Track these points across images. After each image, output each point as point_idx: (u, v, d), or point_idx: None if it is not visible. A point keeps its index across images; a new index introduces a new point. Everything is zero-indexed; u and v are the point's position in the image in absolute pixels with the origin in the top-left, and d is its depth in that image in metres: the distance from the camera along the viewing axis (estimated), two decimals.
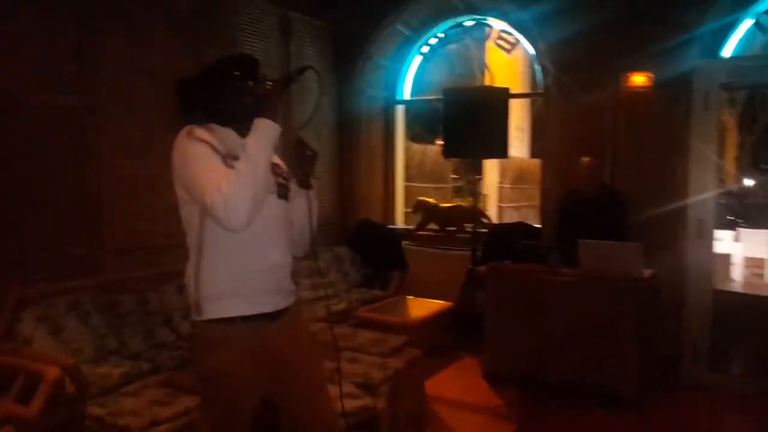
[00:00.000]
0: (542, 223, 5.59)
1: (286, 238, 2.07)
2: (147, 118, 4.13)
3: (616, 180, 5.03)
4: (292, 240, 2.11)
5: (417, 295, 5.44)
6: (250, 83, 1.96)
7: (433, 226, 6.20)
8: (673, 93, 4.83)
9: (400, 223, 6.65)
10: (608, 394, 4.04)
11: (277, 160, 2.11)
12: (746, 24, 4.93)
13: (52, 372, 2.85)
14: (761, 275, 5.35)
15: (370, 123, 6.46)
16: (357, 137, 6.30)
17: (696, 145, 4.52)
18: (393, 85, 6.58)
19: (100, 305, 3.69)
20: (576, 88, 5.26)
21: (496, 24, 6.10)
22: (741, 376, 4.54)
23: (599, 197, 4.60)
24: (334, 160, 6.25)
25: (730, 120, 10.57)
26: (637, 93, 5.03)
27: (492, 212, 8.71)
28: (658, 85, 4.93)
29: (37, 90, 3.66)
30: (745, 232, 5.62)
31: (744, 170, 10.96)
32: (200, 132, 1.89)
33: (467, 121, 5.02)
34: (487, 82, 9.20)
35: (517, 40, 6.07)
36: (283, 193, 2.06)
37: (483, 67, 9.28)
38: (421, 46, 6.46)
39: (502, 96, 5.32)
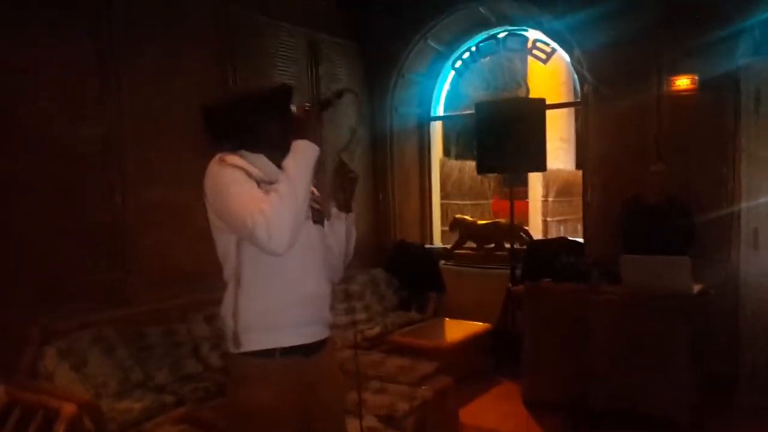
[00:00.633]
0: (585, 237, 5.32)
1: (323, 265, 2.01)
2: (174, 146, 4.13)
3: (660, 191, 4.74)
4: (330, 265, 2.06)
5: (455, 317, 5.26)
6: (288, 110, 1.95)
7: (470, 244, 6.00)
8: (721, 94, 4.54)
9: (437, 242, 6.48)
10: (660, 421, 3.75)
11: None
12: None
13: (68, 409, 2.81)
14: None
15: (404, 141, 6.35)
16: (391, 156, 6.19)
17: (748, 147, 4.19)
18: (427, 102, 6.46)
19: (126, 337, 3.66)
20: (615, 95, 5.02)
21: (531, 34, 5.91)
22: None
23: (661, 206, 4.31)
24: (369, 181, 6.15)
25: None
26: (681, 96, 4.75)
27: (536, 227, 8.43)
28: (703, 87, 4.65)
29: (64, 120, 3.70)
30: None
31: None
32: (232, 158, 1.86)
33: (501, 134, 4.84)
34: (529, 93, 8.98)
35: (553, 49, 5.85)
36: (318, 218, 2.01)
37: (521, 78, 9.05)
38: (454, 61, 6.32)
39: (538, 107, 5.10)
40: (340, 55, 5.89)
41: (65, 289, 3.64)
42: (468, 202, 8.66)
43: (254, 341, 1.85)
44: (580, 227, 7.38)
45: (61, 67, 3.69)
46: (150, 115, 4.13)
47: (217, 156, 1.88)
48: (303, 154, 1.81)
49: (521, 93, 9.17)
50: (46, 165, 3.60)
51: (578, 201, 8.15)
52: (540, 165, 5.03)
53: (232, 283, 1.87)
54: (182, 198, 4.12)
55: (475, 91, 8.00)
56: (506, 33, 6.01)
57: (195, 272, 4.11)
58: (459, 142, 9.05)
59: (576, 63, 5.31)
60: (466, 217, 6.10)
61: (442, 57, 6.29)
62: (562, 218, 8.63)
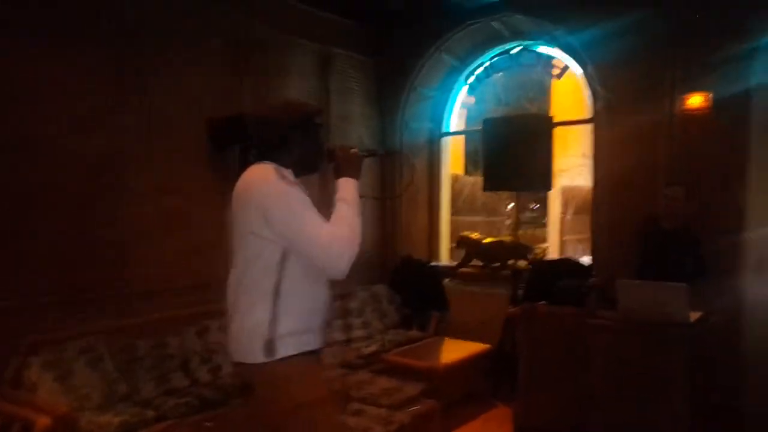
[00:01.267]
0: (594, 258, 5.18)
1: None
2: (175, 159, 4.19)
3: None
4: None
5: (458, 337, 5.16)
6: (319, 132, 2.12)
7: (477, 262, 5.89)
8: (735, 113, 4.37)
9: (444, 259, 6.39)
10: None
11: None
12: None
13: (43, 421, 2.84)
14: None
15: (414, 156, 6.28)
16: (400, 170, 6.13)
17: (754, 172, 4.01)
18: (439, 117, 6.40)
19: (115, 349, 3.69)
20: (627, 112, 4.90)
21: (545, 49, 5.81)
22: None
23: (677, 232, 4.16)
24: (377, 195, 6.09)
25: None
26: (693, 115, 4.59)
27: (554, 245, 8.24)
28: (717, 106, 4.49)
29: (72, 131, 3.77)
30: None
31: None
32: (288, 173, 1.97)
33: (508, 152, 4.77)
34: (549, 109, 8.82)
35: (567, 66, 5.74)
36: None
37: (539, 94, 8.92)
38: (468, 76, 6.25)
39: (546, 124, 5.00)
40: (352, 69, 5.89)
41: (59, 302, 3.71)
42: (480, 218, 8.53)
43: (291, 346, 1.92)
44: None
45: (65, 82, 3.76)
46: (161, 128, 4.19)
47: (270, 167, 1.95)
48: (355, 191, 2.02)
49: (540, 109, 9.04)
50: (51, 178, 3.68)
51: None
52: (546, 184, 4.92)
53: (268, 294, 1.91)
54: (178, 210, 4.18)
55: (495, 107, 7.89)
56: (520, 48, 5.93)
57: (190, 285, 4.17)
58: (472, 157, 8.95)
59: (589, 78, 5.20)
60: (473, 234, 5.99)
61: (455, 71, 6.24)
62: (579, 236, 8.40)
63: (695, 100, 4.61)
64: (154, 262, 4.13)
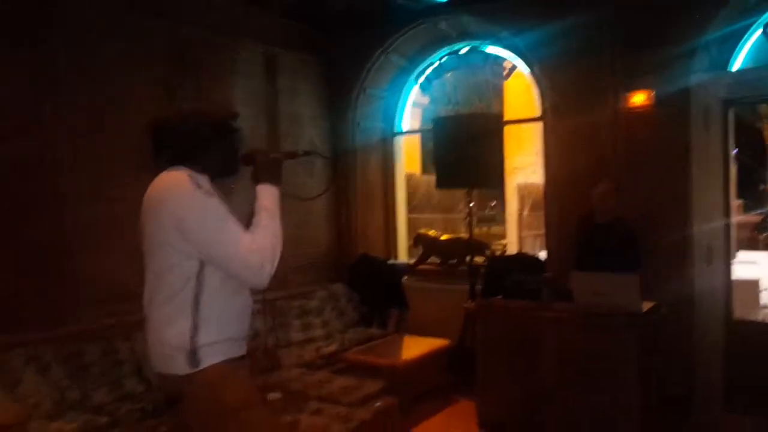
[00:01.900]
0: (548, 252, 5.29)
1: None
2: (112, 163, 4.08)
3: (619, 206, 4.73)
4: None
5: (418, 334, 5.18)
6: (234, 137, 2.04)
7: (434, 260, 5.95)
8: (677, 111, 4.53)
9: (403, 257, 6.43)
10: None
11: None
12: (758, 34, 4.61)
13: None
14: None
15: (367, 156, 6.31)
16: (353, 170, 6.15)
17: (696, 165, 4.17)
18: (391, 116, 6.44)
19: (63, 356, 3.59)
20: (574, 110, 5.02)
21: (492, 49, 5.90)
22: (763, 417, 4.09)
23: (612, 225, 4.29)
24: (330, 196, 6.08)
25: None
26: (637, 113, 4.74)
27: (513, 241, 8.39)
28: (660, 104, 4.65)
29: (6, 138, 3.64)
30: None
31: None
32: (203, 181, 1.89)
33: (459, 150, 4.81)
34: (501, 108, 8.97)
35: (514, 66, 5.86)
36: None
37: (492, 93, 9.08)
38: (418, 76, 6.31)
39: (496, 122, 5.10)
40: (300, 70, 5.86)
41: (5, 308, 3.58)
42: (438, 216, 8.62)
43: (214, 354, 1.86)
44: None
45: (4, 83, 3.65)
46: (96, 132, 4.08)
47: (184, 174, 1.86)
48: (276, 197, 1.94)
49: (492, 108, 9.18)
50: None
51: None
52: (497, 181, 5.03)
53: (187, 305, 1.83)
54: (122, 214, 4.07)
55: (447, 106, 7.99)
56: (468, 48, 6.01)
57: (139, 291, 4.07)
58: (429, 156, 9.03)
59: (536, 78, 5.31)
60: (430, 232, 6.05)
61: (404, 72, 6.28)
62: (536, 233, 8.57)
63: (638, 98, 4.76)
64: (98, 268, 4.02)
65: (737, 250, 5.72)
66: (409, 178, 7.19)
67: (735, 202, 5.17)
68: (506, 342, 4.09)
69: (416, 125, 6.97)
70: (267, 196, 1.93)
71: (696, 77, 4.31)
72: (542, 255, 5.57)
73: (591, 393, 3.75)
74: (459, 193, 8.94)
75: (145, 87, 4.35)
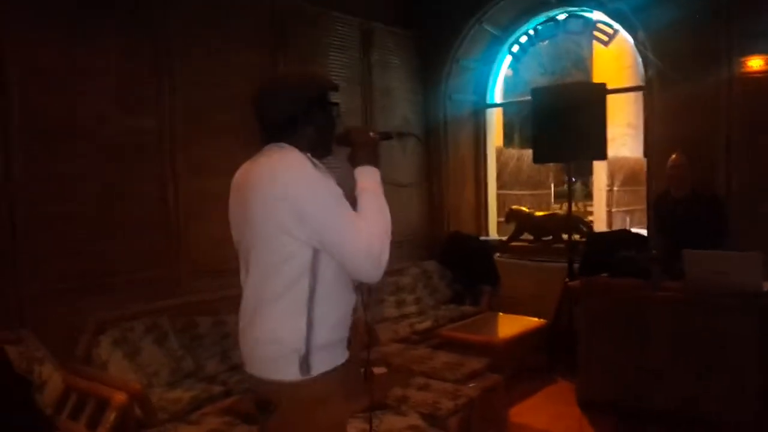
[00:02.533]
0: (649, 230, 5.06)
1: None
2: (224, 138, 4.16)
3: (733, 177, 4.47)
4: None
5: (510, 312, 5.09)
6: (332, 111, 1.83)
7: (527, 236, 5.81)
8: None
9: (493, 233, 6.32)
10: (721, 425, 3.52)
11: None
12: None
13: (119, 398, 2.89)
14: None
15: (458, 129, 6.21)
16: (444, 145, 6.07)
17: None
18: (483, 88, 6.29)
19: (177, 327, 3.74)
20: (682, 79, 4.73)
21: (593, 15, 5.64)
22: None
23: (689, 200, 4.13)
24: (421, 170, 6.05)
25: None
26: (754, 78, 4.43)
27: (601, 218, 8.11)
28: None
29: (118, 113, 3.78)
30: None
31: None
32: (317, 161, 1.67)
33: (559, 122, 4.66)
34: (591, 78, 8.62)
35: (616, 31, 5.57)
36: None
37: (584, 62, 8.71)
38: (511, 45, 6.12)
39: (598, 92, 4.88)
40: (393, 43, 5.80)
41: (120, 281, 3.75)
42: (526, 192, 8.41)
43: (325, 361, 1.67)
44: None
45: (113, 62, 3.76)
46: (202, 110, 4.17)
47: (297, 152, 1.66)
48: (378, 180, 1.73)
49: (586, 77, 8.83)
50: (101, 162, 3.70)
51: (645, 190, 7.78)
52: (600, 153, 4.82)
53: (301, 302, 1.64)
54: (224, 192, 4.16)
55: (535, 77, 7.73)
56: (566, 15, 5.77)
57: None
58: (522, 129, 8.78)
59: (640, 45, 5.05)
60: (523, 208, 5.91)
61: (498, 41, 6.11)
62: (628, 209, 8.25)
63: (755, 63, 4.46)
64: (205, 242, 4.14)
65: None
66: (498, 153, 7.02)
67: None
68: (612, 321, 3.96)
69: (498, 98, 6.79)
70: (369, 178, 1.72)
71: None
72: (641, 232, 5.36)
73: (703, 375, 3.59)
74: (546, 169, 8.75)
75: (251, 59, 4.40)
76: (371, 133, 1.79)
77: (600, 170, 8.65)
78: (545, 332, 4.79)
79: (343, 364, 1.73)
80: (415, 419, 2.89)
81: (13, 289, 3.32)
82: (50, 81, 3.50)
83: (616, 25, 5.43)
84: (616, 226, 7.76)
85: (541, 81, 7.66)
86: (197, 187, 4.10)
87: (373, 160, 1.75)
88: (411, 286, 5.26)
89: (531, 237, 5.79)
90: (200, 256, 4.10)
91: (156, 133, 3.97)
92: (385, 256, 1.61)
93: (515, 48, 6.08)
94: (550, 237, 5.60)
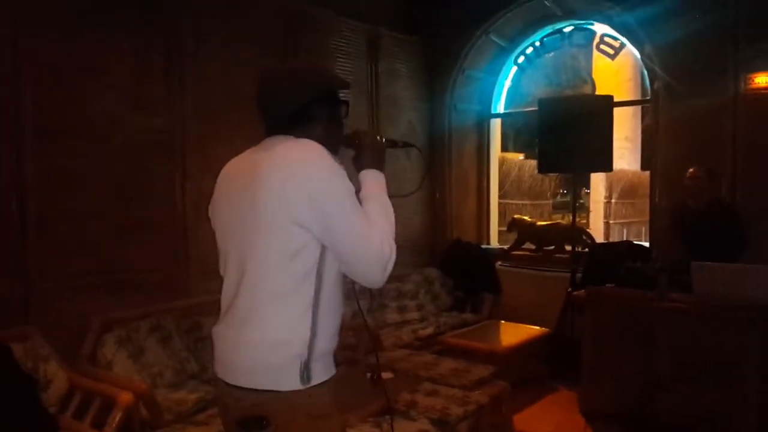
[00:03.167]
0: (651, 241, 5.10)
1: None
2: (232, 139, 4.13)
3: (738, 193, 4.50)
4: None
5: (511, 320, 5.10)
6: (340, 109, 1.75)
7: (529, 245, 5.83)
8: None
9: (494, 242, 6.34)
10: None
11: None
12: None
13: (125, 397, 2.86)
14: None
15: (462, 138, 6.23)
16: (449, 153, 6.08)
17: None
18: (488, 99, 6.32)
19: (182, 328, 3.71)
20: (688, 93, 4.77)
21: (598, 28, 5.69)
22: None
23: (707, 211, 4.17)
24: (425, 178, 6.05)
25: None
26: (760, 95, 4.47)
27: (598, 229, 8.16)
28: None
29: (129, 112, 3.76)
30: None
31: None
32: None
33: (565, 133, 4.67)
34: (592, 90, 8.69)
35: (622, 44, 5.62)
36: None
37: (586, 75, 8.77)
38: (517, 57, 6.16)
39: (605, 104, 4.90)
40: (400, 51, 5.82)
41: (127, 280, 3.72)
42: (527, 202, 8.44)
43: (322, 370, 1.56)
44: (644, 230, 7.11)
45: (125, 62, 3.75)
46: (213, 110, 4.16)
47: (314, 143, 1.55)
48: (384, 185, 1.67)
49: (586, 90, 8.90)
50: (109, 161, 3.68)
51: (643, 203, 7.84)
52: (606, 165, 4.84)
53: (306, 305, 1.51)
54: None
55: (538, 88, 7.78)
56: (572, 27, 5.82)
57: None
58: (518, 139, 8.83)
59: (646, 59, 5.08)
60: (525, 217, 5.93)
61: (504, 52, 6.15)
62: (625, 221, 8.31)
63: (762, 80, 4.50)
64: (215, 243, 4.10)
65: None
66: (500, 163, 7.05)
67: None
68: (617, 331, 3.96)
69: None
70: (375, 182, 1.64)
71: None
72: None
73: (708, 387, 3.58)
74: (548, 180, 8.79)
75: (261, 60, 4.39)
76: (379, 137, 1.74)
77: (598, 182, 8.70)
78: (547, 341, 4.79)
79: (334, 376, 1.61)
80: (425, 424, 2.88)
81: (22, 287, 3.29)
82: (62, 80, 3.47)
83: (622, 39, 5.48)
84: (614, 238, 7.80)
85: (542, 92, 7.69)
86: (208, 187, 4.05)
87: (379, 165, 1.69)
88: (413, 292, 5.26)
89: (533, 246, 5.80)
90: (209, 257, 4.06)
91: (167, 132, 3.96)
92: (392, 262, 1.52)
93: (521, 59, 6.12)
94: (552, 247, 5.61)
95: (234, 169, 1.70)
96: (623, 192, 8.50)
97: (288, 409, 1.51)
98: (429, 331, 4.84)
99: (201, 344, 3.72)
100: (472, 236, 6.17)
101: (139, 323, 3.53)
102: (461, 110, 6.15)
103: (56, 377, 3.07)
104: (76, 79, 3.53)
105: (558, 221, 5.98)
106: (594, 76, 8.86)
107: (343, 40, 5.22)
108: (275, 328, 1.51)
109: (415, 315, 5.14)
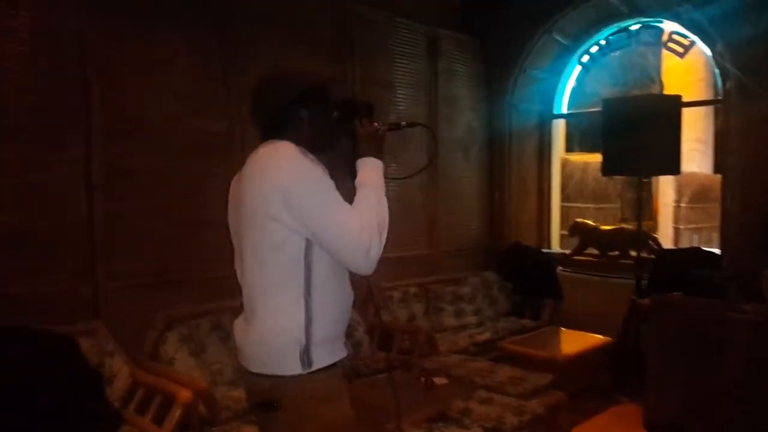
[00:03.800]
0: (722, 248, 4.85)
1: None
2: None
3: None
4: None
5: (572, 327, 4.96)
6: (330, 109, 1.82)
7: (592, 250, 5.66)
8: None
9: (555, 246, 6.19)
10: None
11: None
12: None
13: (185, 395, 2.93)
14: None
15: (523, 139, 6.11)
16: (509, 155, 5.99)
17: None
18: (550, 99, 6.18)
19: None
20: (764, 92, 4.52)
21: (667, 26, 5.47)
22: None
23: None
24: (484, 179, 5.98)
25: None
26: None
27: (666, 234, 7.84)
28: None
29: (189, 114, 3.87)
30: None
31: None
32: (305, 152, 1.67)
33: (631, 134, 4.50)
34: (660, 90, 8.37)
35: (692, 42, 5.38)
36: None
37: (654, 74, 8.46)
38: (581, 56, 5.99)
39: (673, 105, 4.70)
40: (459, 51, 5.77)
41: (186, 279, 3.83)
42: (591, 206, 8.20)
43: (325, 355, 1.67)
44: (715, 236, 6.79)
45: (189, 70, 3.87)
46: None
47: (289, 144, 1.66)
48: (380, 172, 1.73)
49: (654, 90, 8.58)
50: (175, 161, 3.80)
51: (714, 208, 7.48)
52: (674, 167, 4.64)
53: (298, 293, 1.64)
54: None
55: (603, 88, 7.55)
56: (639, 25, 5.62)
57: None
58: (583, 141, 8.58)
59: (718, 57, 4.85)
60: (588, 221, 5.75)
61: (567, 51, 5.99)
62: (695, 226, 7.95)
63: None
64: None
65: None
66: (563, 165, 6.88)
67: None
68: (685, 341, 3.79)
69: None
70: (369, 170, 1.71)
71: None
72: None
73: None
74: (611, 183, 8.52)
75: (317, 66, 4.44)
76: (375, 124, 1.79)
77: (667, 186, 8.37)
78: (610, 350, 4.63)
79: (341, 361, 1.73)
80: None
81: (90, 283, 3.43)
82: (126, 81, 3.60)
83: (692, 37, 5.25)
84: (683, 244, 7.48)
85: (607, 92, 7.47)
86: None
87: (376, 152, 1.75)
88: (470, 296, 5.19)
89: (596, 251, 5.63)
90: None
91: (225, 135, 4.04)
92: (375, 250, 1.59)
93: (585, 58, 5.96)
94: (617, 252, 5.43)
95: (240, 174, 1.81)
96: (694, 196, 8.14)
97: (293, 392, 1.64)
98: (486, 336, 4.77)
99: None
100: (531, 240, 6.05)
101: (200, 321, 3.62)
102: (522, 110, 6.04)
103: (120, 372, 3.19)
104: (138, 80, 3.65)
105: (622, 225, 5.77)
106: (663, 75, 8.54)
107: (401, 41, 5.21)
108: (273, 317, 1.65)
109: (472, 319, 5.07)
